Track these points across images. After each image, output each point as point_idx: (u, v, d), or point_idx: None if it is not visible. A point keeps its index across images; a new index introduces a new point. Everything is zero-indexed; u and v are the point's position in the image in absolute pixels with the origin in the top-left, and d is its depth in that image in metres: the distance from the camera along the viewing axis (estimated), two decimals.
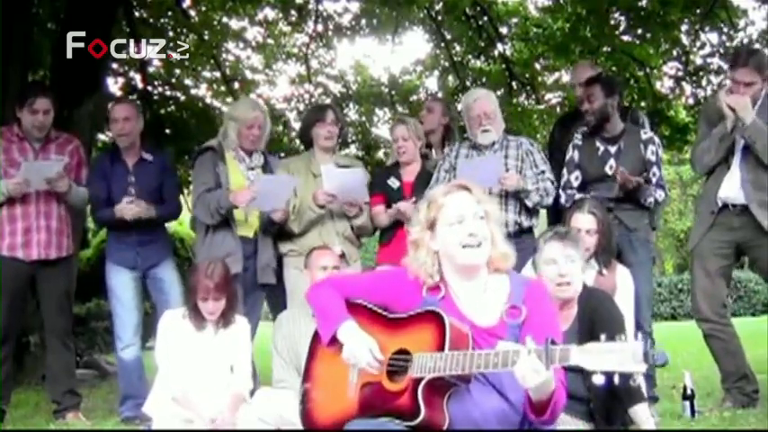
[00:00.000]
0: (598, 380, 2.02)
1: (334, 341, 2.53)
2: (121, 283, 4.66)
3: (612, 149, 4.56)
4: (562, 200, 4.58)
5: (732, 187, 4.25)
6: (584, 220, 3.92)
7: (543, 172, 4.57)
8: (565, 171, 4.65)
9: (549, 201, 4.59)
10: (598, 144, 4.60)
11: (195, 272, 3.83)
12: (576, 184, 4.60)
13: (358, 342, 2.46)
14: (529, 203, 4.50)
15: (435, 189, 2.69)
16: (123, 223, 4.58)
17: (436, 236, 2.49)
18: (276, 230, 4.57)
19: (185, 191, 8.16)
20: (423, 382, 2.30)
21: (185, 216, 6.09)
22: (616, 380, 2.02)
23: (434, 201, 2.53)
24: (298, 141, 7.74)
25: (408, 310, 2.48)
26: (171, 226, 11.20)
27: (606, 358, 2.03)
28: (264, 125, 4.65)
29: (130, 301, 4.67)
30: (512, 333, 2.37)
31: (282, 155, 7.04)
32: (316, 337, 2.66)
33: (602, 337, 2.09)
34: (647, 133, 4.68)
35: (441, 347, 2.30)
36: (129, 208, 4.53)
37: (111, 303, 4.73)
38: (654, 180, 4.53)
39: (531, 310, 2.41)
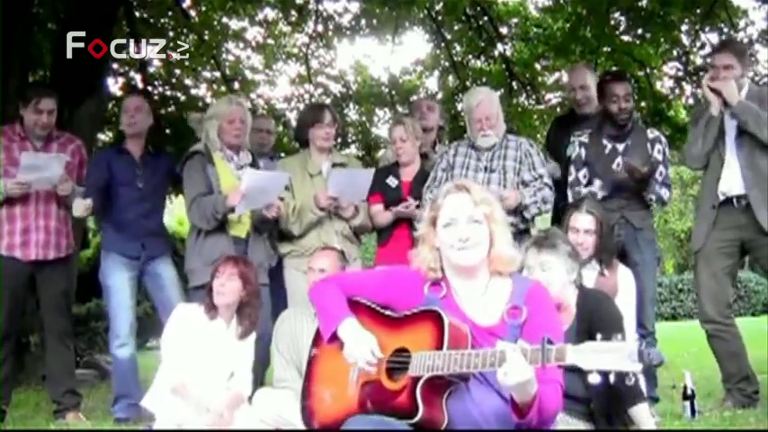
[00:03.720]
0: (594, 379, 2.04)
1: (335, 338, 2.53)
2: (119, 281, 4.65)
3: (620, 147, 4.55)
4: (570, 198, 4.55)
5: (731, 178, 4.23)
6: (582, 220, 3.92)
7: (541, 176, 4.50)
8: (572, 169, 4.63)
9: (548, 207, 4.56)
10: (605, 142, 4.59)
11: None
12: (584, 181, 4.59)
13: (358, 340, 2.47)
14: (527, 215, 4.46)
15: (441, 187, 2.68)
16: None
17: (437, 234, 2.50)
18: (269, 229, 4.55)
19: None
20: (421, 381, 2.30)
21: (185, 216, 6.06)
22: (612, 379, 2.03)
23: (436, 200, 2.56)
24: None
25: (410, 309, 2.48)
26: (171, 226, 11.29)
27: (601, 357, 2.04)
28: (246, 119, 4.60)
29: (127, 299, 4.67)
30: (512, 333, 2.37)
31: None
32: (318, 335, 2.67)
33: (598, 336, 2.10)
34: (653, 132, 4.68)
35: (440, 346, 2.30)
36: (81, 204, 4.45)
37: (106, 301, 4.74)
38: (660, 179, 4.52)
39: (532, 311, 2.40)
